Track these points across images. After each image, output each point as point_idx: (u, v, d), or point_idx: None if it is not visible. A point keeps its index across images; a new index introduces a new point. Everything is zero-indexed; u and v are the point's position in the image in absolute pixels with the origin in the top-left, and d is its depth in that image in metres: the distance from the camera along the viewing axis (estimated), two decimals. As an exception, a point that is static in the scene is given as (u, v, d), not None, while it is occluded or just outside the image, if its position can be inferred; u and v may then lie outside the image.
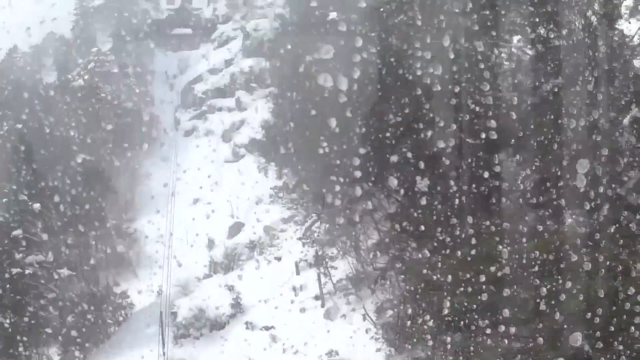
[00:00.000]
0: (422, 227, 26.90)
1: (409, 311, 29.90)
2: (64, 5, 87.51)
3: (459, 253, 24.61)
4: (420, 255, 27.35)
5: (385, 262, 34.40)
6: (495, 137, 24.68)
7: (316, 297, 42.07)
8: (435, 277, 25.61)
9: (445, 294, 24.47)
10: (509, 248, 23.17)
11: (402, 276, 31.42)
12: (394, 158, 27.35)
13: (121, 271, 53.91)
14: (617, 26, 28.66)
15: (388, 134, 29.20)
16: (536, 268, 22.72)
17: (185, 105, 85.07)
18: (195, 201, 66.08)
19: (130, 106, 74.63)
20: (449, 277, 24.06)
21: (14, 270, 35.33)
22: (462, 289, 23.61)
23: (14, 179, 40.88)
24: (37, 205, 38.36)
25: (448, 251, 25.62)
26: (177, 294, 46.79)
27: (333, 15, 67.96)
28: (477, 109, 27.73)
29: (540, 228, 25.15)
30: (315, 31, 43.75)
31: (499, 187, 28.18)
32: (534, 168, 28.96)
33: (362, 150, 26.95)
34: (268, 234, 55.42)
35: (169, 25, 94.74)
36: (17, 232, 38.06)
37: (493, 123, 25.59)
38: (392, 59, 29.75)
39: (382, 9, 33.61)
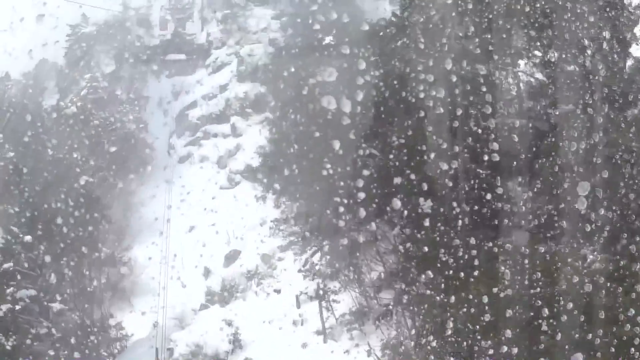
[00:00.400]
0: (426, 249, 26.51)
1: (412, 332, 29.38)
2: (65, 28, 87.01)
3: (462, 274, 24.23)
4: (423, 277, 26.97)
5: (390, 297, 33.50)
6: (497, 159, 24.48)
7: (318, 332, 40.84)
8: (438, 298, 25.06)
9: (448, 315, 24.24)
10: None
11: (409, 312, 30.73)
12: (398, 180, 26.96)
13: (116, 299, 52.92)
14: (630, 51, 28.41)
15: (391, 156, 28.60)
16: (538, 289, 23.02)
17: (179, 131, 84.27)
18: (191, 229, 65.15)
19: (123, 133, 73.73)
20: (452, 298, 23.88)
21: (4, 307, 34.01)
22: (465, 309, 23.47)
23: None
24: (28, 238, 37.16)
25: (451, 272, 25.18)
26: (174, 327, 45.57)
27: (329, 39, 67.85)
28: (480, 131, 27.49)
29: (542, 249, 25.49)
30: (318, 53, 43.39)
31: (502, 208, 27.83)
32: (535, 190, 28.88)
33: (365, 172, 26.23)
34: (266, 263, 54.51)
35: (163, 51, 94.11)
36: (8, 265, 36.83)
37: (496, 146, 25.43)
38: (395, 82, 29.11)
39: (384, 32, 33.32)
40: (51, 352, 36.16)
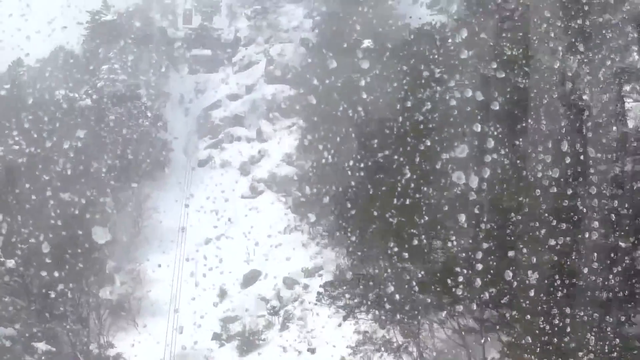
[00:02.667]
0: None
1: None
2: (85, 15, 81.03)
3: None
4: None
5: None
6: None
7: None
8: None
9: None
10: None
11: None
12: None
13: (119, 319, 47.14)
14: None
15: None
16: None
17: (200, 132, 78.64)
18: (208, 241, 59.19)
19: (140, 132, 67.94)
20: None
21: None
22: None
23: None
24: (11, 263, 31.16)
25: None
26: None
27: (367, 42, 61.77)
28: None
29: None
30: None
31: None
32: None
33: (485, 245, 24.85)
34: (289, 288, 48.75)
35: (187, 45, 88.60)
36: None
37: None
38: (518, 162, 27.43)
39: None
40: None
